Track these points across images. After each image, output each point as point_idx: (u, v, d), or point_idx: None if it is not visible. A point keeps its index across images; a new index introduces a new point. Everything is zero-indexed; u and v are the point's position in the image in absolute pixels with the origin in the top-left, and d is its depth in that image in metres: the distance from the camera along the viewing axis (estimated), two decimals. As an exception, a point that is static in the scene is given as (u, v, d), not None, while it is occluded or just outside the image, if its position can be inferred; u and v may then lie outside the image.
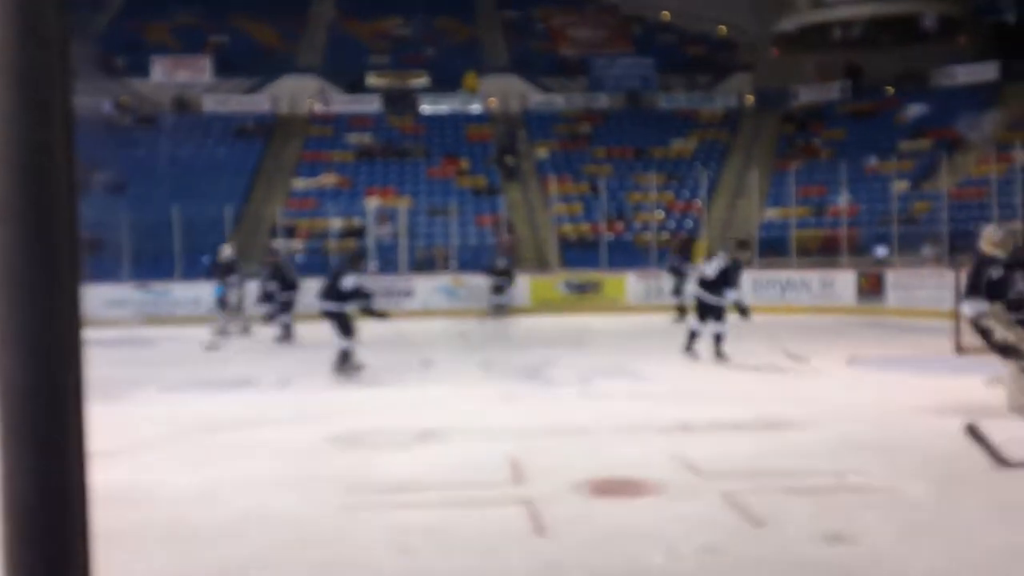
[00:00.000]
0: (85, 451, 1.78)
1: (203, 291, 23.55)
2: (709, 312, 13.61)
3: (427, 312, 23.41)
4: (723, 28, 37.28)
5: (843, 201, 26.29)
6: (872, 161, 28.46)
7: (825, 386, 11.57)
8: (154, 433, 9.20)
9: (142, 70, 34.01)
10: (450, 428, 9.00)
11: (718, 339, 13.55)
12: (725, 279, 13.46)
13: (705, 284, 13.60)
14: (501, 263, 22.99)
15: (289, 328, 17.81)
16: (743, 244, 15.78)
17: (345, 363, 13.11)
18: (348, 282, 13.04)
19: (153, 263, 24.79)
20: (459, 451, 8.09)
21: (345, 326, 13.15)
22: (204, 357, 16.45)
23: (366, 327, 21.16)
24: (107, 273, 23.53)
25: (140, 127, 32.50)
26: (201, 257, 24.96)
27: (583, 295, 24.80)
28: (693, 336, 13.95)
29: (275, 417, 10.04)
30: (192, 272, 24.72)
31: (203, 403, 11.10)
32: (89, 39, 33.81)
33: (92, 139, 29.82)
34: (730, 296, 13.54)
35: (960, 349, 13.84)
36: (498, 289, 22.79)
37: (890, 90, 32.23)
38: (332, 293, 13.09)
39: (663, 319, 21.55)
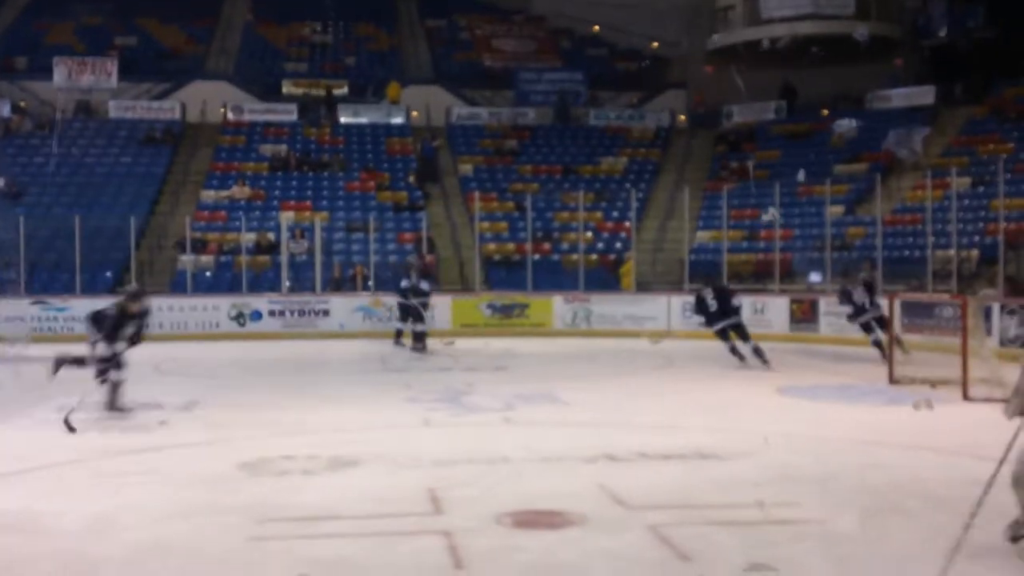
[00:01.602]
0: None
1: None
2: None
3: (344, 334, 22.61)
4: (655, 44, 36.44)
5: (770, 216, 25.53)
6: (804, 181, 27.78)
7: (755, 416, 11.44)
8: (48, 458, 8.80)
9: (44, 72, 32.08)
10: (366, 455, 8.75)
11: None
12: None
13: None
14: (425, 285, 20.35)
15: None
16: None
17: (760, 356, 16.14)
18: (738, 300, 16.92)
19: (51, 276, 23.32)
20: (375, 479, 7.89)
21: (742, 333, 16.42)
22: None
23: (285, 347, 20.45)
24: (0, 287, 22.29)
25: (40, 132, 30.67)
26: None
27: (507, 318, 23.79)
28: None
29: (180, 442, 9.67)
30: (93, 286, 23.38)
31: (102, 427, 10.56)
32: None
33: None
34: None
35: (894, 379, 13.90)
36: (417, 315, 19.96)
37: (825, 112, 31.72)
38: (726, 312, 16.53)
39: (591, 344, 21.31)
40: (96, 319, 11.76)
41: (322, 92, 33.64)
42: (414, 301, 19.82)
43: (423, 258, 24.27)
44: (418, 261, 23.03)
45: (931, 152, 28.24)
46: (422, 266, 22.29)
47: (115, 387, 11.34)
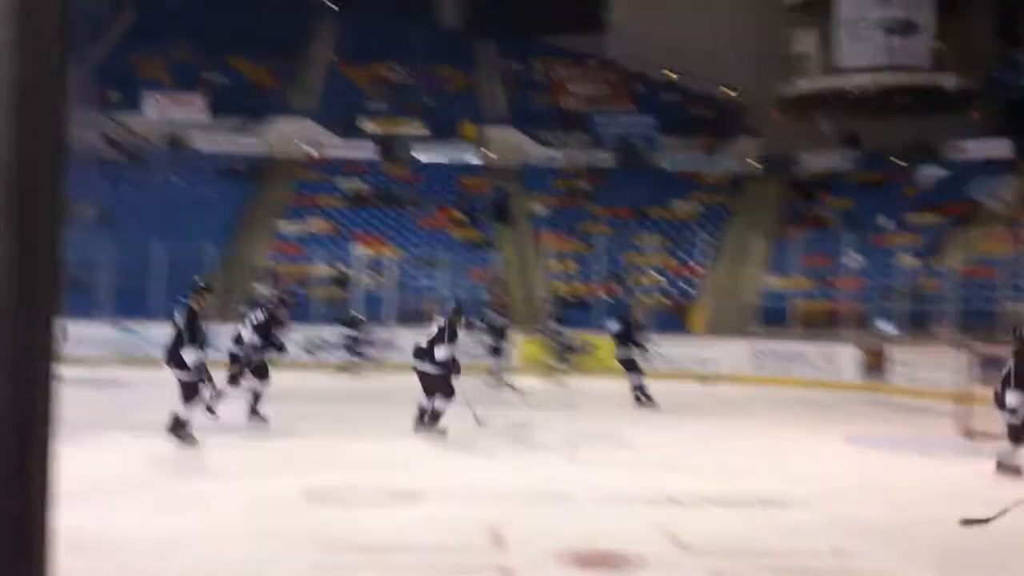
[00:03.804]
0: (51, 489, 1.77)
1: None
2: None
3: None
4: (729, 90, 36.60)
5: (850, 262, 25.36)
6: (885, 228, 27.54)
7: (822, 464, 11.35)
8: (117, 478, 8.98)
9: (135, 105, 33.25)
10: (429, 488, 8.81)
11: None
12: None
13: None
14: (497, 320, 20.68)
15: None
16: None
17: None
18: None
19: (133, 301, 23.90)
20: (437, 513, 7.91)
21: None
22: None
23: (352, 381, 20.46)
24: (84, 310, 22.80)
25: (129, 163, 31.63)
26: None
27: (575, 356, 23.86)
28: None
29: (247, 467, 9.86)
30: (171, 312, 23.79)
31: (173, 449, 10.82)
32: (86, 70, 33.20)
33: (80, 173, 29.24)
34: None
35: (969, 433, 13.52)
36: (495, 351, 20.36)
37: (895, 160, 31.56)
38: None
39: (657, 386, 20.87)
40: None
41: (401, 131, 34.27)
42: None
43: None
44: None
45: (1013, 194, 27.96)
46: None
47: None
